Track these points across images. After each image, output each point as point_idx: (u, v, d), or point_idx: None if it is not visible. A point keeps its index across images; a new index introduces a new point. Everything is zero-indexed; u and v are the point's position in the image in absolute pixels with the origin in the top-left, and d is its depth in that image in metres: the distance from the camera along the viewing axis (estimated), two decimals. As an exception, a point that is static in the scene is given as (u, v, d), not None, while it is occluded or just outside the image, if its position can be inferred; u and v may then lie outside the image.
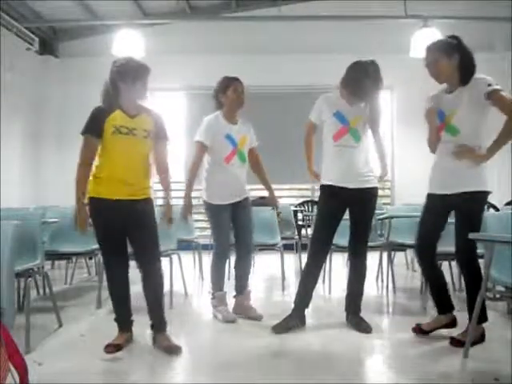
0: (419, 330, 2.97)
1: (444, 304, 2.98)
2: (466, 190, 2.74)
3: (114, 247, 2.81)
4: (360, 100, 3.15)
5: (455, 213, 2.88)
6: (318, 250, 3.25)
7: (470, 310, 2.73)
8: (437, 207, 2.91)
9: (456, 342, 2.75)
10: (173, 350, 2.72)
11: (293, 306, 3.24)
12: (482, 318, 2.72)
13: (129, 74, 2.67)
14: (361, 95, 3.11)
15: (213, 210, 3.47)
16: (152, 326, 2.87)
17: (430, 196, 2.96)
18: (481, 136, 2.78)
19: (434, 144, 2.94)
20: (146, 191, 2.82)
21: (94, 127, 2.71)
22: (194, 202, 3.48)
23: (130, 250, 2.88)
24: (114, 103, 2.72)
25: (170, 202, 2.94)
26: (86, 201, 2.75)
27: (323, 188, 3.23)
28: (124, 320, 2.86)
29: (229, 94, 3.42)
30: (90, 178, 2.78)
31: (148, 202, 2.82)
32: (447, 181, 2.82)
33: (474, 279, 2.74)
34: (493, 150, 2.71)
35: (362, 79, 3.05)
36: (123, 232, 2.78)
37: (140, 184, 2.78)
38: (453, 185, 2.79)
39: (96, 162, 2.78)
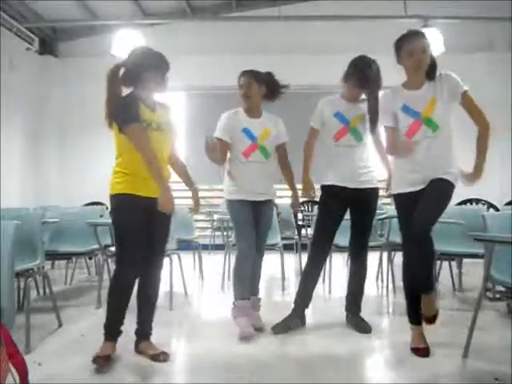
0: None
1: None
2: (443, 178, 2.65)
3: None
4: (363, 90, 3.14)
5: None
6: (319, 251, 3.25)
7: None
8: (412, 205, 2.69)
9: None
10: (160, 358, 2.61)
11: (293, 306, 3.24)
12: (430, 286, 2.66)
13: (157, 65, 2.58)
14: (364, 84, 3.10)
15: (235, 207, 3.22)
16: (137, 332, 2.73)
17: (404, 196, 2.73)
18: (453, 133, 2.71)
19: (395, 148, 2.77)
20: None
21: (136, 115, 2.50)
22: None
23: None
24: (136, 95, 2.59)
25: (194, 187, 2.91)
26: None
27: (324, 188, 3.24)
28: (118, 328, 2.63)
29: (238, 90, 3.26)
30: (114, 174, 2.61)
31: None
32: (426, 176, 2.65)
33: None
34: (481, 165, 2.63)
35: (364, 69, 3.08)
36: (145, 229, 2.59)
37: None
38: (430, 178, 2.64)
39: (121, 157, 2.60)
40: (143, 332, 2.72)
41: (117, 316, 2.61)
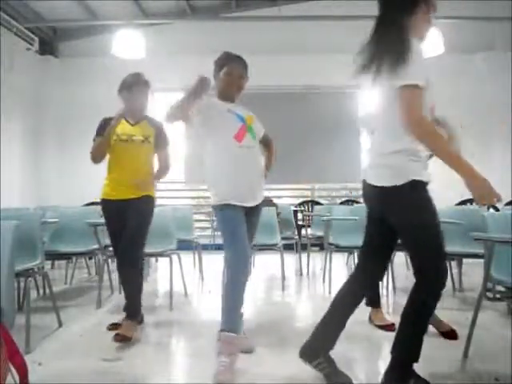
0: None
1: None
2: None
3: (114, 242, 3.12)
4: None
5: None
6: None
7: None
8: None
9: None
10: (120, 339, 2.84)
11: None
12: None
13: (124, 87, 3.07)
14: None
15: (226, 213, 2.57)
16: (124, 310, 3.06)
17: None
18: None
19: None
20: (144, 189, 3.09)
21: (102, 132, 3.07)
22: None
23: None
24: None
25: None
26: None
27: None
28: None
29: (221, 77, 2.76)
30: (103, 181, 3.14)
31: (143, 199, 3.08)
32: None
33: None
34: None
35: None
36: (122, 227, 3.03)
37: (138, 184, 3.06)
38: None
39: (106, 168, 3.14)
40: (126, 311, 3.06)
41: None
